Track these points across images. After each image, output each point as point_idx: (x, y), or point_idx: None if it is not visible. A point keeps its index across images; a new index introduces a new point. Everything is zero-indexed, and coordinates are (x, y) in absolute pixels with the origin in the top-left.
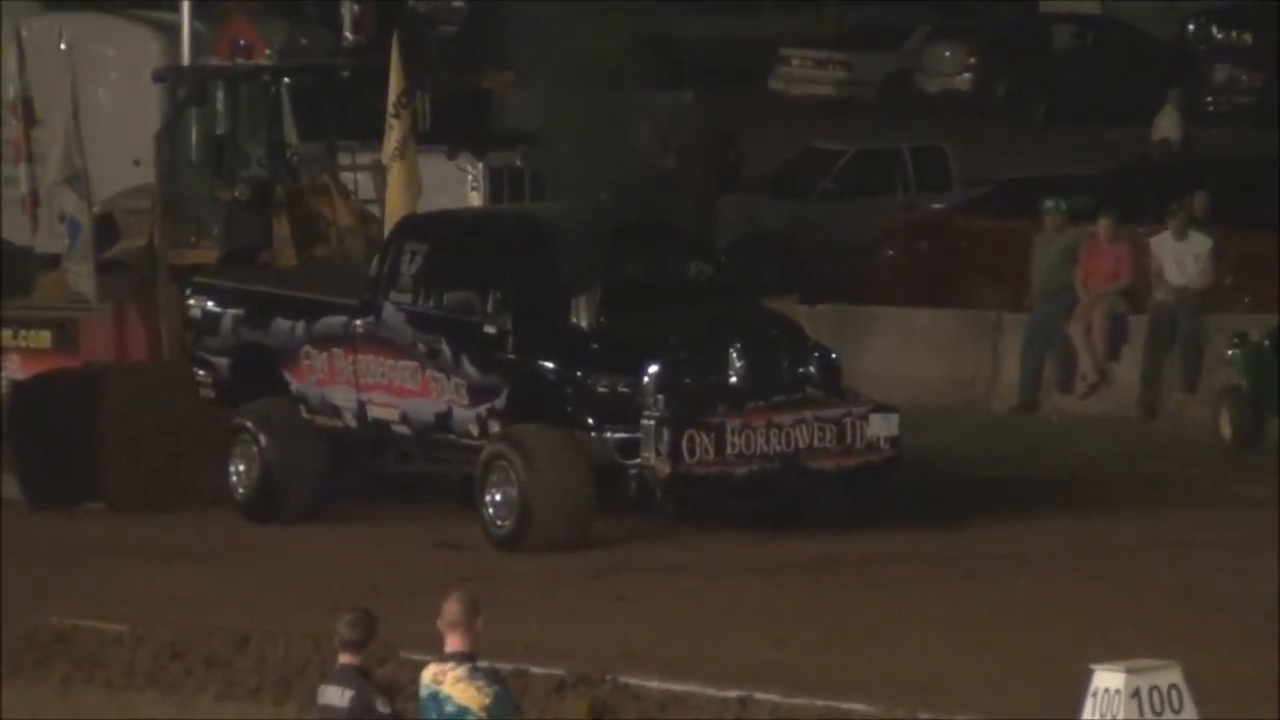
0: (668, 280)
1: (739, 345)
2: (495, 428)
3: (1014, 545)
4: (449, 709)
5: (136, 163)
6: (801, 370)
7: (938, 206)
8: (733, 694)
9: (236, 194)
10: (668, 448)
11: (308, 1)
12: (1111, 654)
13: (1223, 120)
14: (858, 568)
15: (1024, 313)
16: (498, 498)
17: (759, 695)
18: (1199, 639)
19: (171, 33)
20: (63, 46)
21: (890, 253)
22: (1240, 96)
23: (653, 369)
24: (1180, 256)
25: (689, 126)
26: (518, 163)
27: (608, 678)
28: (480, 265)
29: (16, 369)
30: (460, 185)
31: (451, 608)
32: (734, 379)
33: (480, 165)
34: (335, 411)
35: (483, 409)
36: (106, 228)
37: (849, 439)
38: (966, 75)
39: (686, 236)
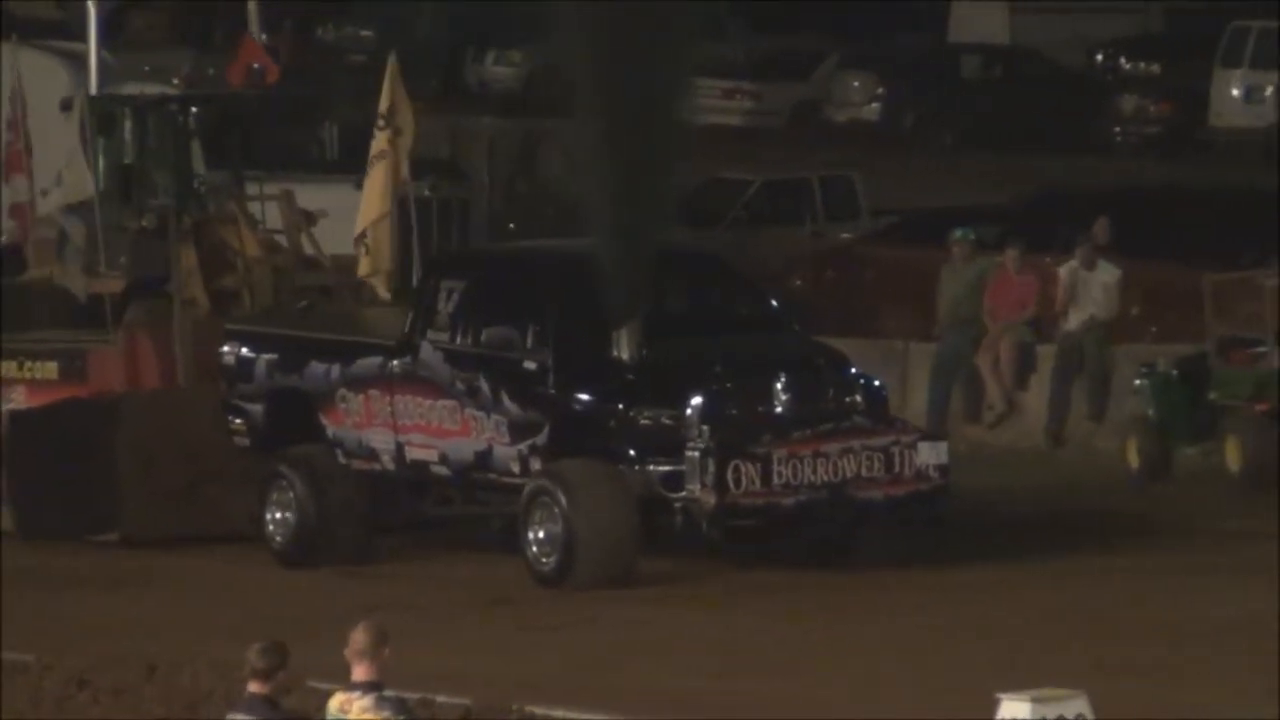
0: (709, 311)
1: (783, 375)
2: (537, 465)
3: (922, 574)
4: None
5: (44, 193)
6: (847, 399)
7: (846, 236)
8: None
9: (144, 223)
10: (713, 479)
11: (216, 31)
12: (1020, 684)
13: (1130, 150)
14: (761, 597)
15: (932, 342)
16: (541, 535)
17: None
18: (1107, 667)
19: (79, 62)
20: None
21: (798, 282)
22: (1147, 126)
23: (696, 400)
24: (1088, 286)
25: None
26: (426, 192)
27: (514, 707)
28: (519, 301)
29: (22, 401)
30: None
31: (358, 637)
32: (779, 409)
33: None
34: (373, 454)
35: (524, 446)
36: (15, 257)
37: (897, 468)
38: (875, 105)
39: (729, 267)
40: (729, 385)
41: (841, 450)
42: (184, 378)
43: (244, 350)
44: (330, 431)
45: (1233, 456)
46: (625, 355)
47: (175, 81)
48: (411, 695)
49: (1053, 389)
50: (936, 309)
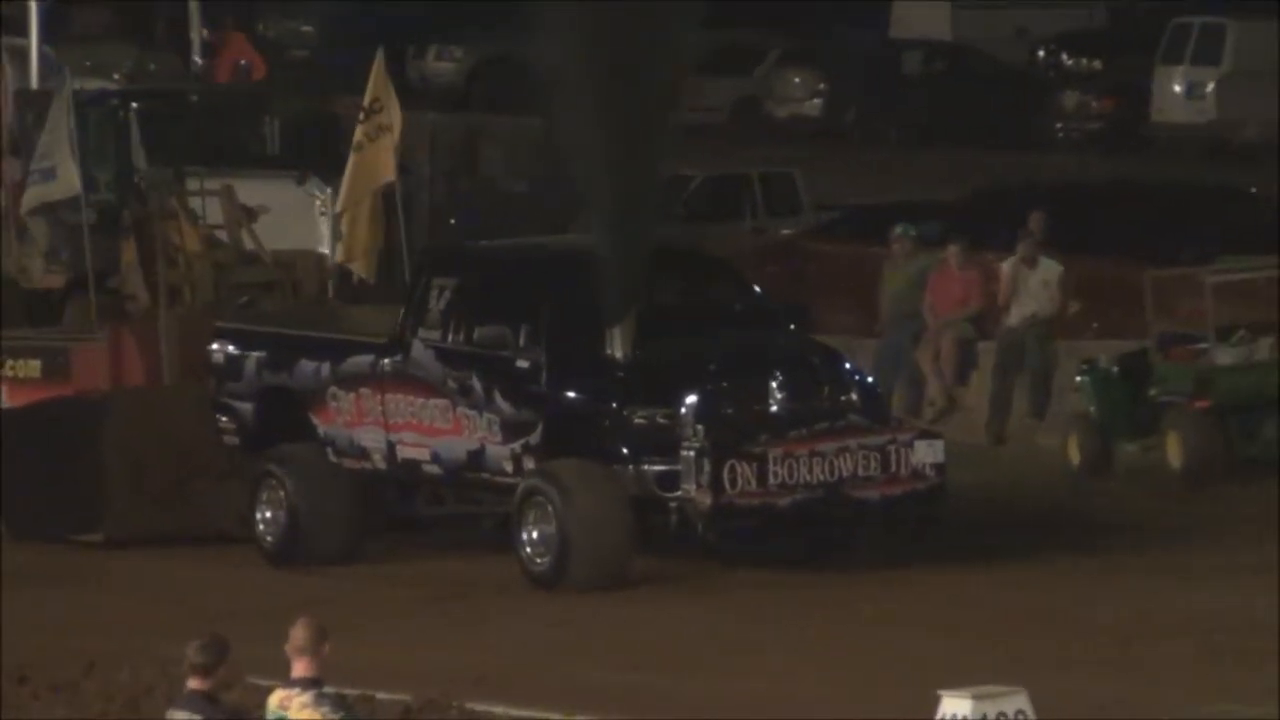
0: (704, 309)
1: (779, 373)
2: (530, 464)
3: (864, 570)
4: None
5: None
6: (843, 398)
7: (787, 232)
8: (581, 718)
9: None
10: (708, 478)
11: (158, 26)
12: (963, 680)
13: (1072, 146)
14: (711, 592)
15: (873, 338)
16: (534, 535)
17: None
18: (1050, 664)
19: (20, 57)
20: None
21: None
22: (1089, 123)
23: (691, 399)
24: (1030, 282)
25: (540, 151)
26: None
27: (455, 703)
28: (511, 298)
29: (5, 399)
30: (309, 211)
31: (298, 633)
32: (774, 407)
33: (329, 191)
34: (364, 453)
35: (517, 445)
36: None
37: (894, 467)
38: (816, 101)
39: (723, 264)
40: (724, 384)
41: (838, 449)
42: (169, 376)
43: (233, 348)
44: (321, 430)
45: (1173, 453)
46: (619, 353)
47: (116, 77)
48: (351, 691)
49: (994, 385)
50: (878, 305)
